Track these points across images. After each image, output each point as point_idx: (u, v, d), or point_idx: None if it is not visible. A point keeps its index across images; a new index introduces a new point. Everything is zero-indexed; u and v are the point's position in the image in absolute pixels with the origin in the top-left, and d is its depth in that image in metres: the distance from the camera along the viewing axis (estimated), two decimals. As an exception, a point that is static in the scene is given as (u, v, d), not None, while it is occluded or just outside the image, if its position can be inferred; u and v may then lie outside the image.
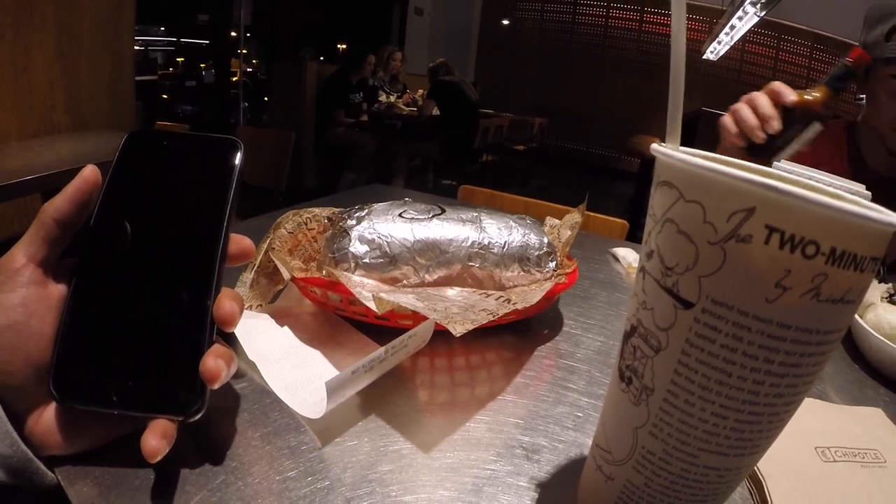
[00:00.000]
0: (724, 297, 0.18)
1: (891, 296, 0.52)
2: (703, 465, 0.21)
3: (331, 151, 3.41)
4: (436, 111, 3.52)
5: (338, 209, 0.50)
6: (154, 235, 0.28)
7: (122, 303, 0.27)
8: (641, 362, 0.21)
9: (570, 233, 0.53)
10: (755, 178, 0.16)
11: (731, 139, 0.65)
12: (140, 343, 0.27)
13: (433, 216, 0.45)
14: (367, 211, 0.44)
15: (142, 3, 2.37)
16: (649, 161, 0.21)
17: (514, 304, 0.39)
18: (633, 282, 0.29)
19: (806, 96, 0.60)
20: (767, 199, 0.16)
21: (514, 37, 6.12)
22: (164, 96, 4.68)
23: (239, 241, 0.30)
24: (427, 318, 0.36)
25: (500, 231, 0.45)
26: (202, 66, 4.94)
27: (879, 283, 0.54)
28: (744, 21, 3.27)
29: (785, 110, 0.61)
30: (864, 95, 0.81)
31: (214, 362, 0.26)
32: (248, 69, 4.91)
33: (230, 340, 0.31)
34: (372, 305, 0.36)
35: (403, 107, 3.77)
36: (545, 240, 0.47)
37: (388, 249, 0.42)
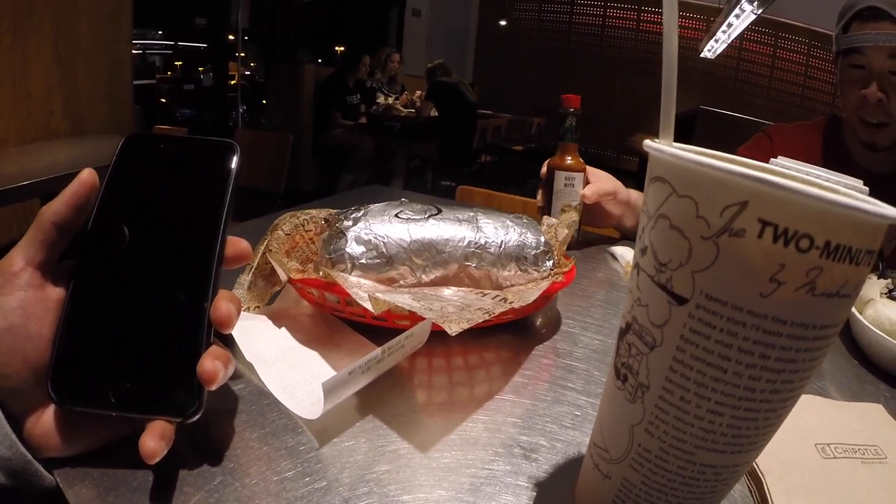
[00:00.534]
0: (718, 293, 0.18)
1: (890, 291, 0.52)
2: (700, 463, 0.21)
3: (329, 153, 3.41)
4: (434, 112, 3.52)
5: (335, 210, 0.50)
6: (151, 238, 0.28)
7: (119, 305, 0.27)
8: (637, 359, 0.21)
9: (567, 231, 0.53)
10: (747, 172, 0.16)
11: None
12: (138, 345, 0.27)
13: (429, 216, 0.45)
14: (363, 212, 0.44)
15: (140, 6, 2.38)
16: (647, 160, 0.21)
17: (510, 303, 0.39)
18: (629, 279, 0.29)
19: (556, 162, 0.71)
20: (760, 193, 0.16)
21: (512, 37, 6.12)
22: (163, 100, 4.69)
23: (236, 244, 0.30)
24: (424, 319, 0.36)
25: (496, 230, 0.45)
26: (200, 69, 4.95)
27: (879, 278, 0.54)
28: (741, 19, 3.27)
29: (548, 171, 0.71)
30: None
31: (212, 364, 0.26)
32: (246, 72, 4.92)
33: (227, 342, 0.31)
34: (368, 306, 0.36)
35: (401, 108, 3.77)
36: (542, 238, 0.47)
37: (384, 250, 0.42)
